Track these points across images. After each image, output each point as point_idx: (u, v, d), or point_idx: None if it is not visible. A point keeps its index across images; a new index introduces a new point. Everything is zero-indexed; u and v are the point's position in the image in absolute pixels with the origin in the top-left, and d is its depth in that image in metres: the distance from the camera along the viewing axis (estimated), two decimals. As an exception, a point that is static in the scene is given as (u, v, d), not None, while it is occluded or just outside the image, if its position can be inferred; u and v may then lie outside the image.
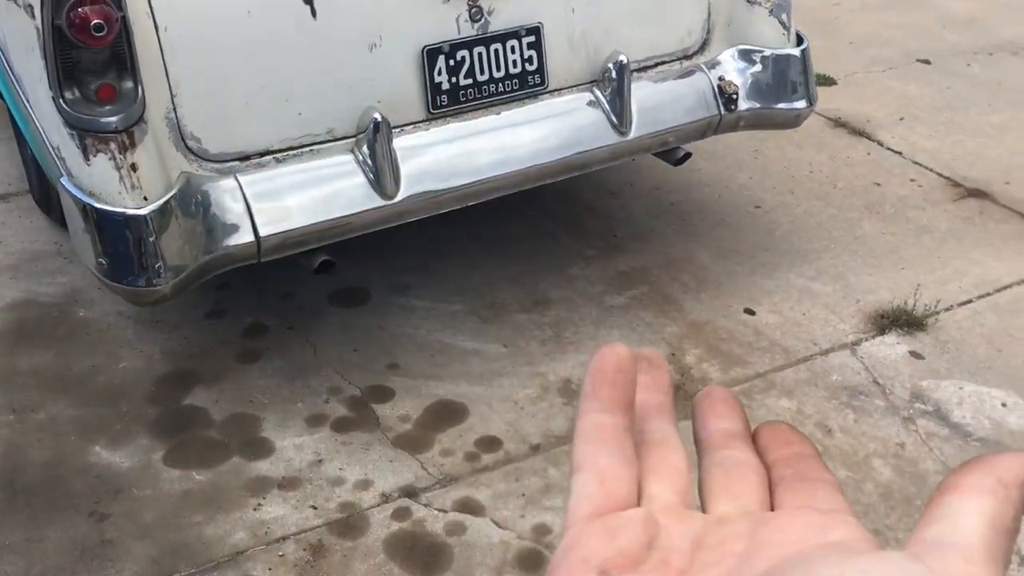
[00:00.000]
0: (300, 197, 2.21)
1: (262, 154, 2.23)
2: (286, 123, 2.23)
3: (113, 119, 1.97)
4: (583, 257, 3.00)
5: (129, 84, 1.99)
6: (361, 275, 2.85)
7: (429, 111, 2.36)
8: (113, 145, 1.98)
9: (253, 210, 2.15)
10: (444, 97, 2.37)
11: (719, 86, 2.65)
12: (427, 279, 2.87)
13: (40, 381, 2.45)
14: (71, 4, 1.85)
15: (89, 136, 1.98)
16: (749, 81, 2.68)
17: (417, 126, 2.36)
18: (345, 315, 2.74)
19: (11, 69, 2.33)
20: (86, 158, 1.98)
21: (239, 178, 2.17)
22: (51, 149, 2.09)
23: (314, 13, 2.18)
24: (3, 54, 2.40)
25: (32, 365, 2.51)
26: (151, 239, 2.01)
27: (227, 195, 2.14)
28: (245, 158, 2.22)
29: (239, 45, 2.14)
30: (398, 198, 2.29)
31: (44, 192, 2.93)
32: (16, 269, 2.88)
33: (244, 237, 2.15)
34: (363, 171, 2.27)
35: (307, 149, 2.27)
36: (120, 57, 1.96)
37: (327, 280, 2.68)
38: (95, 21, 1.85)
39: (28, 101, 2.21)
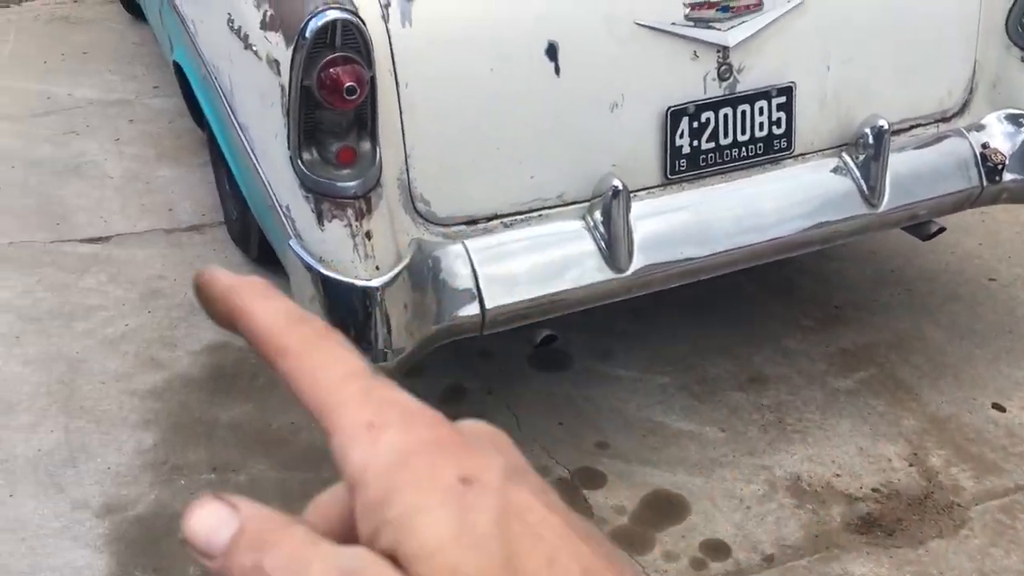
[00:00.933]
0: (528, 266, 2.05)
1: (490, 218, 2.08)
2: (517, 186, 2.08)
3: (352, 184, 1.85)
4: (799, 328, 2.75)
5: (368, 146, 1.86)
6: (559, 335, 2.67)
7: (666, 176, 2.17)
8: (350, 211, 1.85)
9: (480, 279, 2.00)
10: (683, 161, 2.17)
11: (982, 154, 2.37)
12: (630, 344, 2.68)
13: (240, 438, 2.36)
14: (323, 64, 1.73)
15: (326, 201, 1.86)
16: (1017, 149, 2.39)
17: (651, 192, 2.17)
18: (547, 381, 2.57)
19: (233, 112, 2.24)
20: (320, 223, 1.86)
21: (467, 244, 2.02)
22: (280, 208, 1.99)
23: (558, 70, 2.02)
24: (221, 91, 2.33)
25: (231, 418, 2.42)
26: (381, 311, 1.88)
27: (456, 263, 1.99)
28: (472, 222, 2.07)
29: (477, 103, 1.99)
30: (630, 271, 2.10)
31: (243, 229, 2.86)
32: (211, 307, 2.81)
33: (470, 309, 2.00)
34: (595, 240, 2.09)
35: (536, 214, 2.11)
36: (363, 118, 1.83)
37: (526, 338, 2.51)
38: (348, 83, 1.72)
39: (254, 152, 2.11)
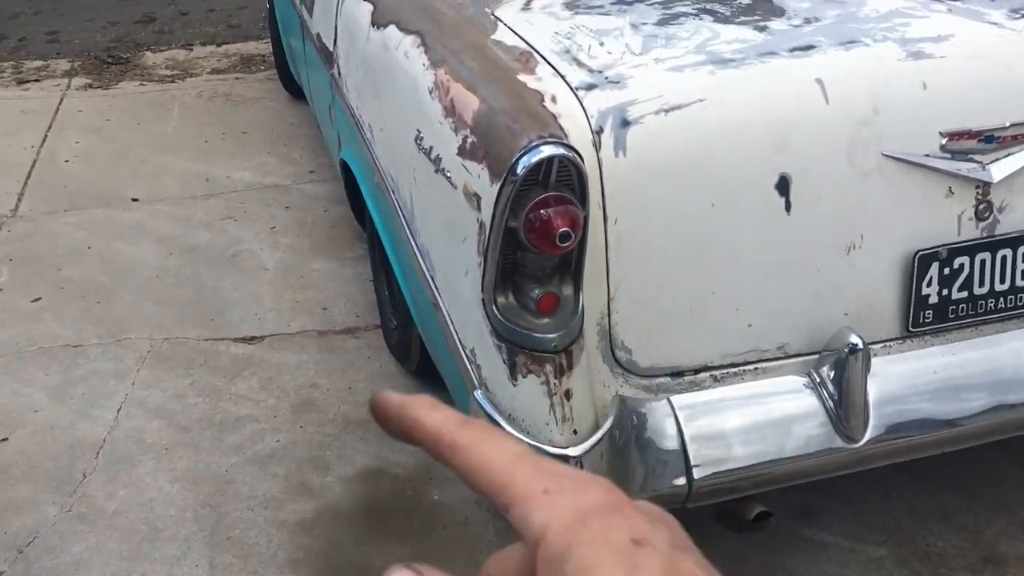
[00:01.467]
0: (742, 430, 1.76)
1: (698, 370, 1.80)
2: (732, 334, 1.79)
3: (553, 336, 1.60)
4: (1037, 494, 2.35)
5: (570, 291, 1.62)
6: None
7: (907, 328, 1.85)
8: (549, 367, 1.61)
9: (688, 444, 1.72)
10: (928, 312, 1.84)
11: None
12: (835, 504, 2.33)
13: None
14: (533, 205, 1.50)
15: (521, 353, 1.61)
16: None
17: (888, 346, 1.85)
18: (738, 542, 2.24)
19: (411, 232, 2.04)
20: (512, 377, 1.62)
21: (672, 401, 1.74)
22: (463, 350, 1.76)
23: (788, 207, 1.74)
24: (399, 206, 2.14)
25: (385, 563, 2.18)
26: (578, 487, 1.61)
27: (661, 423, 1.72)
28: (678, 374, 1.79)
29: (694, 241, 1.72)
30: (863, 440, 1.78)
31: (403, 341, 2.66)
32: (367, 426, 2.61)
33: (674, 478, 1.71)
34: (822, 401, 1.79)
35: (752, 367, 1.82)
36: (568, 260, 1.59)
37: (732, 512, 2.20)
38: (563, 229, 1.49)
39: (434, 280, 1.90)
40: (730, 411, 1.76)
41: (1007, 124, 1.78)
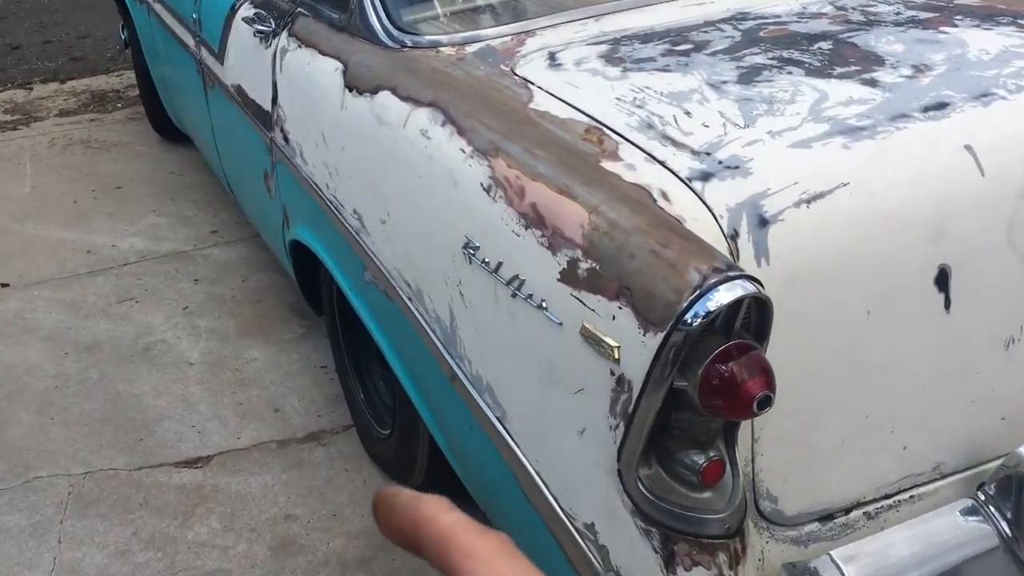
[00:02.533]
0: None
1: (848, 509, 1.47)
2: (885, 461, 1.48)
3: (723, 515, 1.24)
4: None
5: (732, 451, 1.25)
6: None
7: (1069, 428, 1.57)
8: (722, 556, 1.24)
9: (862, 608, 1.38)
10: (1090, 405, 1.57)
11: None
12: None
13: None
14: (712, 360, 1.12)
15: (683, 540, 1.24)
16: None
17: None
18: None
19: (450, 355, 1.63)
20: (670, 570, 1.24)
21: (835, 558, 1.40)
22: (571, 525, 1.37)
23: (948, 303, 1.43)
24: (426, 323, 1.72)
25: None
26: None
27: (832, 593, 1.38)
28: (828, 517, 1.46)
29: (847, 356, 1.39)
30: (1044, 567, 1.49)
31: (403, 454, 2.23)
32: (370, 564, 2.17)
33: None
34: (995, 525, 1.49)
35: (905, 495, 1.51)
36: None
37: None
38: (762, 394, 1.11)
39: (504, 426, 1.50)
40: (898, 557, 1.44)
41: None
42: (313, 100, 2.10)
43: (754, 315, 1.15)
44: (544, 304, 1.33)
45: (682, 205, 1.32)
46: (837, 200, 1.36)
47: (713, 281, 1.10)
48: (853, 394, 1.41)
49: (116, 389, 2.81)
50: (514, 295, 1.39)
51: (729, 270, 1.12)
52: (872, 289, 1.38)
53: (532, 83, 1.71)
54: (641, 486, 1.24)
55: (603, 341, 1.22)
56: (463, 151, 1.54)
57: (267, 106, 2.40)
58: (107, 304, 3.28)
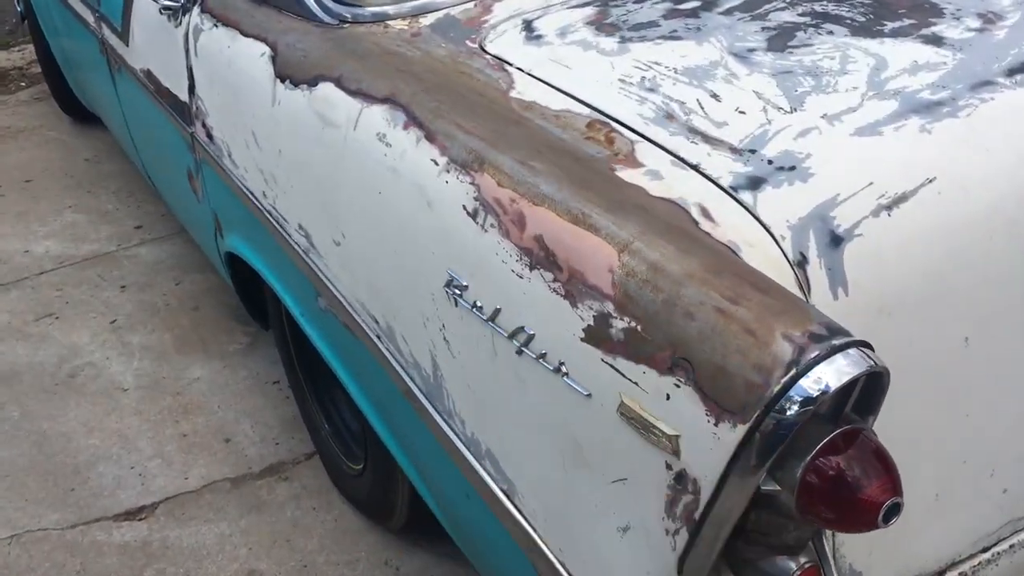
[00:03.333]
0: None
1: (942, 571, 1.21)
2: (985, 509, 1.21)
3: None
4: None
5: (824, 549, 0.97)
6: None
7: None
8: None
9: None
10: None
11: None
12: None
13: None
14: (817, 453, 0.83)
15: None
16: None
17: None
18: None
19: (437, 412, 1.32)
20: None
21: (939, 641, 1.14)
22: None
23: (1052, 318, 1.15)
24: (393, 354, 1.41)
25: None
26: None
27: None
28: (922, 585, 1.19)
29: (943, 395, 1.11)
30: None
31: (381, 494, 1.93)
32: (350, 629, 1.88)
33: None
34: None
35: (1005, 544, 1.25)
36: (831, 509, 0.93)
37: None
38: (892, 500, 0.83)
39: (513, 502, 1.20)
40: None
41: None
42: (238, 93, 1.74)
43: (862, 390, 0.85)
44: (563, 368, 1.02)
45: (730, 225, 1.02)
46: (925, 202, 1.06)
47: (813, 356, 0.80)
48: (951, 439, 1.13)
49: (40, 428, 2.46)
50: (520, 352, 1.08)
51: (833, 336, 0.82)
52: (972, 312, 1.09)
53: (509, 64, 1.38)
54: (717, 606, 0.95)
55: (653, 426, 0.91)
56: (435, 163, 1.21)
57: (184, 96, 2.03)
58: (23, 323, 2.90)
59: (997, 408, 1.16)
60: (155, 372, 2.62)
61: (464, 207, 1.15)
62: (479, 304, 1.14)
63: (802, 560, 0.93)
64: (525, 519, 1.20)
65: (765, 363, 0.81)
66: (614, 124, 1.19)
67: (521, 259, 1.06)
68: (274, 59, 1.62)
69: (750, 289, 0.87)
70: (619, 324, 0.94)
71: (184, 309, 2.89)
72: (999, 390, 1.15)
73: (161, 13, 2.06)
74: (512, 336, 1.09)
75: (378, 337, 1.44)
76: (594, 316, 0.97)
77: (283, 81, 1.58)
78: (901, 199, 1.06)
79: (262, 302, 2.19)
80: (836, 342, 0.81)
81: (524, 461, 1.17)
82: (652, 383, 0.91)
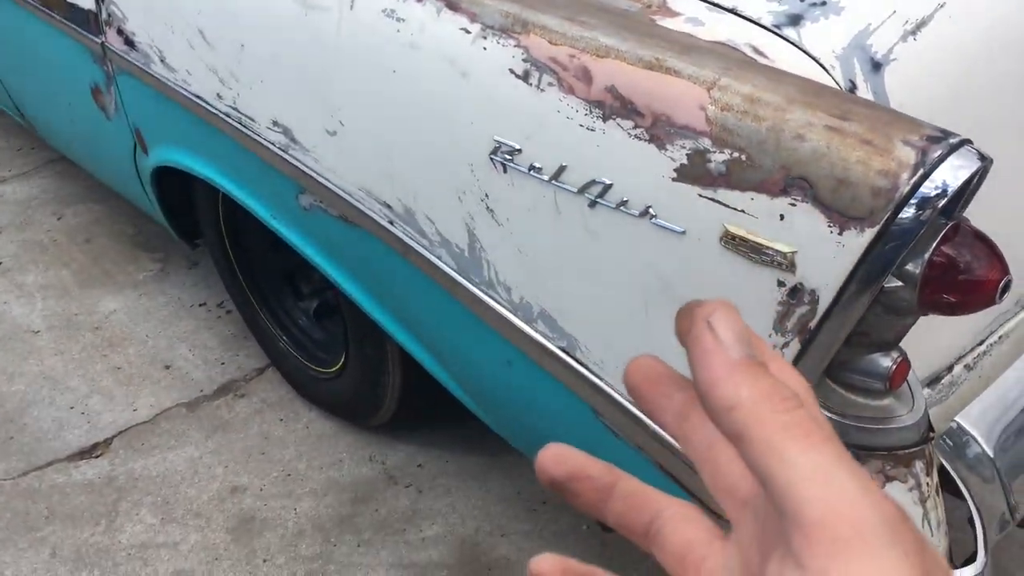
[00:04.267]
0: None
1: (951, 366, 1.36)
2: (980, 306, 1.36)
3: (917, 420, 1.07)
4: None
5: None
6: None
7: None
8: (919, 465, 1.08)
9: None
10: None
11: None
12: None
13: None
14: (937, 245, 0.92)
15: (874, 458, 1.06)
16: None
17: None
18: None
19: (499, 291, 1.35)
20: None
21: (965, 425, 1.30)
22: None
23: (1037, 125, 1.29)
24: (424, 247, 1.43)
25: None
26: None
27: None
28: (935, 380, 1.34)
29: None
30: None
31: (365, 393, 1.93)
32: (352, 523, 1.89)
33: None
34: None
35: (994, 337, 1.41)
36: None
37: None
38: (1006, 278, 0.93)
39: (584, 362, 1.25)
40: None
41: None
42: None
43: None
44: (651, 210, 1.06)
45: (783, 60, 1.09)
46: (940, 26, 1.16)
47: (937, 156, 0.88)
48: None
49: (-49, 383, 2.29)
50: (593, 204, 1.12)
51: (947, 136, 0.90)
52: (979, 125, 1.21)
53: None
54: (824, 408, 1.04)
55: (765, 247, 0.98)
56: (467, 31, 1.21)
57: (88, 4, 1.89)
58: None
59: (997, 207, 1.29)
60: (64, 310, 2.48)
61: (512, 71, 1.16)
62: (536, 165, 1.16)
63: (894, 355, 1.04)
64: (589, 370, 1.25)
65: (890, 168, 0.89)
66: (634, -22, 1.21)
67: (591, 112, 1.09)
68: (223, -52, 1.54)
69: (853, 105, 0.94)
70: (719, 157, 0.99)
71: (75, 243, 2.72)
72: (995, 192, 1.28)
73: (48, -86, 1.89)
74: (583, 190, 1.12)
75: (390, 222, 1.43)
76: (687, 155, 1.02)
77: (240, -30, 1.51)
78: (922, 24, 1.15)
79: (190, 219, 2.11)
80: (952, 141, 0.89)
81: (591, 313, 1.22)
82: (763, 207, 0.97)
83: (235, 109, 1.62)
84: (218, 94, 1.64)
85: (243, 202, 1.76)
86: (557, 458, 0.38)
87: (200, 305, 2.45)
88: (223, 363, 2.27)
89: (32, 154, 3.09)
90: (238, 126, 1.62)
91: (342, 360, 1.94)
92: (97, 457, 2.07)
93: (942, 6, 1.16)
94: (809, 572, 0.27)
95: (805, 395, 0.35)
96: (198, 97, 1.69)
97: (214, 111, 1.66)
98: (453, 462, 1.98)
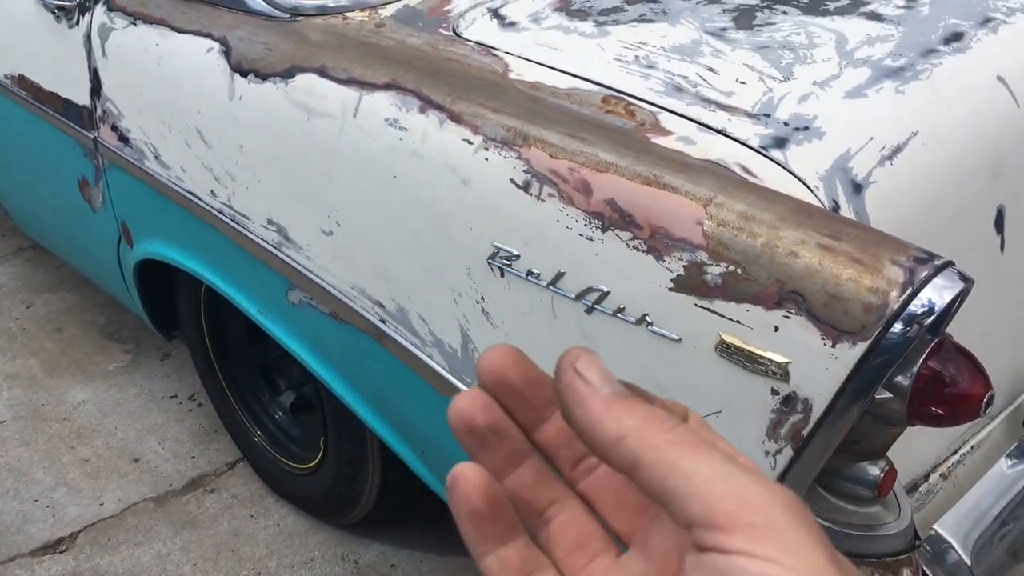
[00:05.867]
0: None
1: (927, 475, 1.40)
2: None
3: (903, 527, 1.10)
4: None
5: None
6: None
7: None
8: (906, 574, 1.11)
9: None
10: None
11: None
12: None
13: None
14: (924, 362, 0.97)
15: (864, 565, 1.09)
16: None
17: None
18: None
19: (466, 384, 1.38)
20: (855, 604, 1.10)
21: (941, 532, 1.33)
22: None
23: (1003, 245, 1.38)
24: (411, 343, 1.45)
25: None
26: None
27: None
28: (913, 488, 1.38)
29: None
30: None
31: (341, 490, 1.92)
32: (324, 626, 1.86)
33: None
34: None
35: (967, 447, 1.46)
36: (900, 415, 1.08)
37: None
38: (989, 393, 0.98)
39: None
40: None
41: None
42: (176, 90, 1.69)
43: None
44: (648, 318, 1.11)
45: (771, 180, 1.15)
46: (915, 152, 1.24)
47: (924, 276, 0.94)
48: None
49: (-89, 473, 2.24)
50: (590, 310, 1.16)
51: (932, 258, 0.96)
52: (949, 245, 1.28)
53: (496, 49, 1.44)
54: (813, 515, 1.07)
55: (760, 357, 1.02)
56: (469, 142, 1.26)
57: (83, 100, 1.93)
58: None
59: (964, 326, 1.36)
60: (31, 400, 2.45)
61: (513, 180, 1.21)
62: (534, 271, 1.20)
63: (882, 464, 1.08)
64: (579, 472, 1.27)
65: (880, 286, 0.94)
66: (628, 98, 1.28)
67: (590, 223, 1.14)
68: (227, 54, 1.60)
69: (843, 225, 1.00)
70: (715, 270, 1.04)
71: (45, 332, 2.70)
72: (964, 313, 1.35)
73: (47, 10, 1.95)
74: (581, 296, 1.16)
75: (382, 321, 1.46)
76: (684, 266, 1.06)
77: (243, 75, 1.56)
78: (897, 150, 1.23)
79: (169, 311, 2.12)
80: (937, 262, 0.95)
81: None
82: (758, 318, 1.02)
83: (229, 206, 1.65)
84: (212, 191, 1.68)
85: (230, 296, 1.77)
86: (516, 363, 0.37)
87: (171, 397, 2.43)
88: (193, 457, 2.25)
89: (1, 241, 3.08)
90: (231, 223, 1.65)
91: (319, 456, 1.93)
92: (62, 552, 2.02)
93: (915, 134, 1.25)
94: (733, 557, 0.30)
95: (681, 413, 0.38)
96: (191, 193, 1.73)
97: (207, 207, 1.70)
98: (428, 562, 1.97)
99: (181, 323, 2.15)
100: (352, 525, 2.01)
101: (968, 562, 1.30)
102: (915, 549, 1.10)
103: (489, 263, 1.25)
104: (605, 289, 1.14)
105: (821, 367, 0.99)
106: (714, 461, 0.32)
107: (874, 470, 1.07)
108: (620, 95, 1.29)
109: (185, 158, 1.71)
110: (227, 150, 1.62)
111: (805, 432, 1.02)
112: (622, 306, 1.13)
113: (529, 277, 1.21)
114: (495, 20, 1.52)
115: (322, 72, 1.45)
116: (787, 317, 1.00)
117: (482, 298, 1.29)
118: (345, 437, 1.80)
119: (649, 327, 1.11)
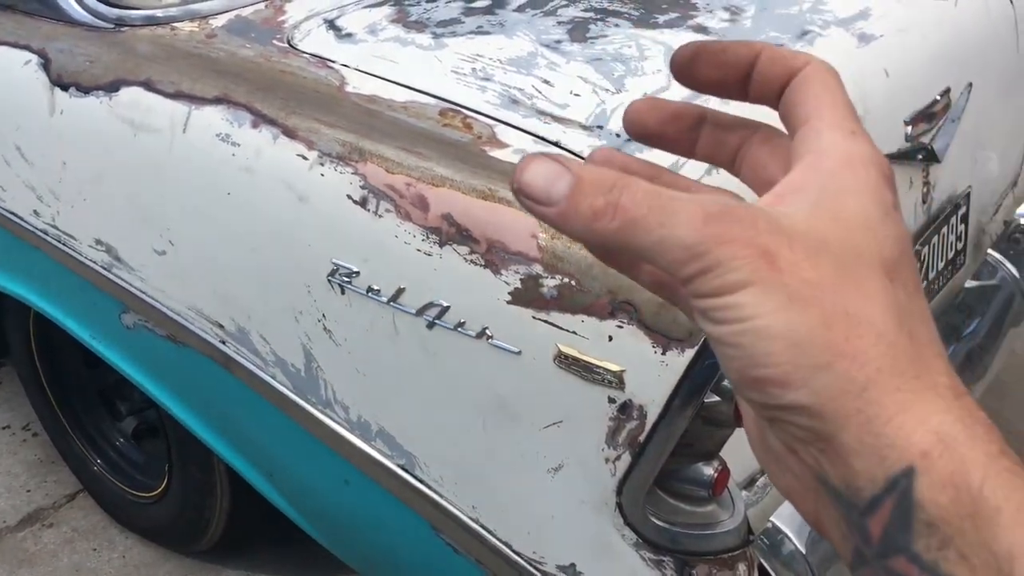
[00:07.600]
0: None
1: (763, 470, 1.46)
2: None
3: (738, 523, 1.14)
4: None
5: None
6: None
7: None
8: (742, 567, 1.15)
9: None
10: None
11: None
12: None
13: None
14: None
15: (702, 562, 1.13)
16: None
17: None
18: None
19: (337, 410, 1.36)
20: (686, 601, 1.13)
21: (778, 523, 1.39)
22: (535, 570, 1.20)
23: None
24: (245, 358, 1.42)
25: None
26: None
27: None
28: (751, 482, 1.44)
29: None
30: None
31: (190, 519, 1.86)
32: (174, 659, 1.79)
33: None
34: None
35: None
36: (731, 413, 1.12)
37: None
38: None
39: (423, 480, 1.27)
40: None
41: (937, 97, 1.66)
42: (-9, 104, 1.60)
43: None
44: (488, 331, 1.11)
45: (605, 191, 1.17)
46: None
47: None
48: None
49: None
50: (431, 325, 1.16)
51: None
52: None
53: (331, 61, 1.42)
54: (655, 515, 1.10)
55: (596, 366, 1.04)
56: (304, 158, 1.24)
57: None
58: None
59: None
60: None
61: (350, 196, 1.19)
62: (374, 288, 1.19)
63: (715, 464, 1.11)
64: (428, 487, 1.27)
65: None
66: (465, 111, 1.29)
67: (428, 238, 1.14)
68: (46, 66, 1.52)
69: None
70: (551, 282, 1.06)
71: None
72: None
73: None
74: (421, 312, 1.16)
75: (222, 342, 1.42)
76: (521, 279, 1.07)
77: (64, 89, 1.49)
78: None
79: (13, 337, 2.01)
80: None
81: (429, 432, 1.24)
82: (593, 329, 1.04)
83: (54, 226, 1.57)
84: (35, 211, 1.59)
85: (59, 321, 1.69)
86: (651, 108, 0.43)
87: (3, 428, 2.29)
88: (29, 490, 2.13)
89: None
90: (56, 244, 1.58)
91: (164, 483, 1.86)
92: None
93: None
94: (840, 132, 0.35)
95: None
96: (12, 213, 1.64)
97: (30, 228, 1.61)
98: (282, 585, 1.92)
99: (10, 349, 2.03)
100: (202, 553, 1.94)
101: (803, 551, 1.36)
102: (749, 544, 1.14)
103: (329, 280, 1.23)
104: (445, 304, 1.14)
105: (654, 374, 1.01)
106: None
107: (708, 470, 1.10)
108: (457, 108, 1.29)
109: (5, 176, 1.62)
110: (49, 167, 1.54)
111: (641, 438, 1.05)
112: (462, 320, 1.13)
113: (369, 294, 1.20)
114: (331, 31, 1.50)
115: (148, 85, 1.40)
116: (620, 327, 1.02)
117: (323, 316, 1.27)
118: (190, 462, 1.74)
119: (489, 340, 1.11)
